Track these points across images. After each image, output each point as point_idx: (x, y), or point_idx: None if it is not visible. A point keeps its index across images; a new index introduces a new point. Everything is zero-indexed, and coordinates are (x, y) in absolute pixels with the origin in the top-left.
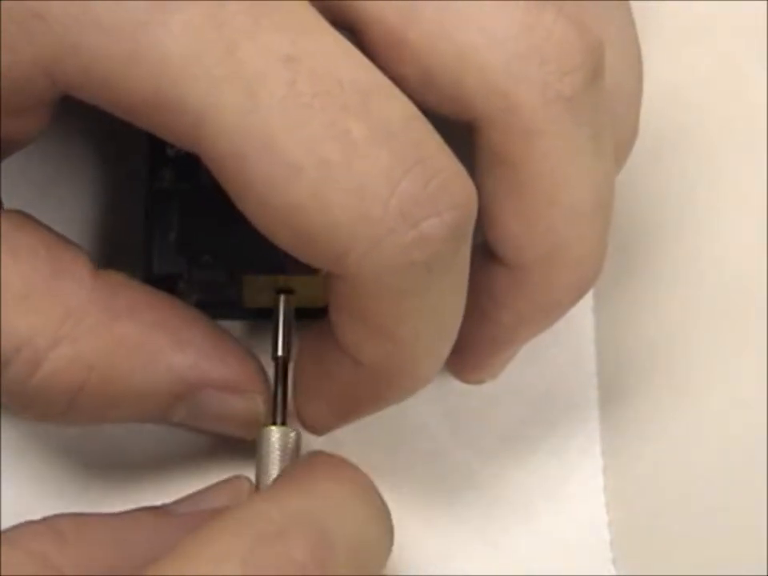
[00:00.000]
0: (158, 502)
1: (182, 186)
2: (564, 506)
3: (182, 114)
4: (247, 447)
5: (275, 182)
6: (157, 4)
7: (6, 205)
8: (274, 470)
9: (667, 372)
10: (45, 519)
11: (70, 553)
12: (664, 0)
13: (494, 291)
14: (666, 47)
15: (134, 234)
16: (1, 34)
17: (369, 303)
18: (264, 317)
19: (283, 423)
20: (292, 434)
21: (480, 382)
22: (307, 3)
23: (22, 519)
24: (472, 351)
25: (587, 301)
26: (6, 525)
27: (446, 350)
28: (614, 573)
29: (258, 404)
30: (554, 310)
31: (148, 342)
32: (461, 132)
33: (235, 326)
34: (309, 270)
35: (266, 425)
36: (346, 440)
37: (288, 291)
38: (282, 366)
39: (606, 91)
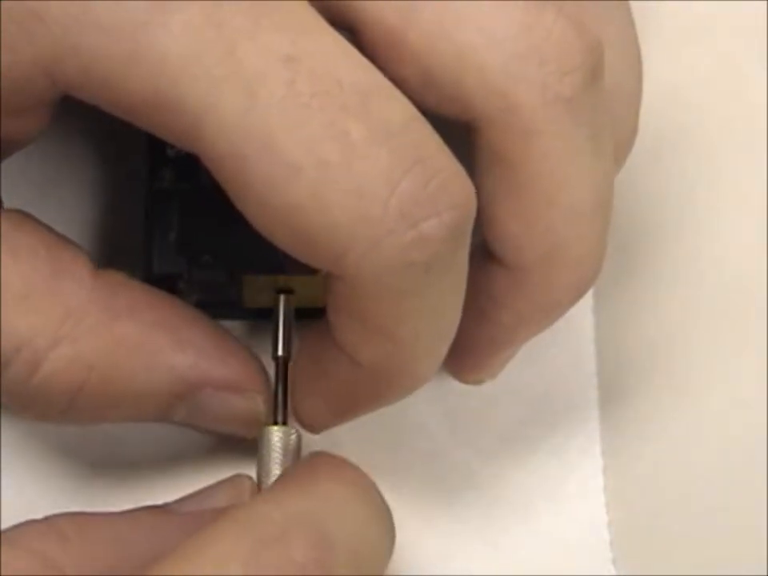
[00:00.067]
0: (159, 501)
1: (182, 185)
2: (564, 506)
3: (182, 114)
4: (248, 446)
5: (274, 182)
6: (156, 4)
7: (6, 205)
8: (274, 470)
9: (667, 372)
10: (46, 518)
11: (71, 552)
12: (664, 0)
13: (493, 291)
14: (665, 47)
15: (134, 234)
16: (1, 34)
17: (368, 303)
18: (264, 317)
19: (284, 423)
20: (293, 434)
21: (479, 382)
22: (306, 3)
23: (22, 518)
24: (471, 351)
25: (587, 301)
26: (6, 523)
27: (444, 349)
28: (613, 573)
29: (259, 403)
30: (553, 309)
31: (148, 341)
32: (460, 132)
33: (235, 326)
34: (309, 270)
35: (266, 424)
36: (345, 440)
37: (288, 291)
38: (282, 365)
39: (606, 91)
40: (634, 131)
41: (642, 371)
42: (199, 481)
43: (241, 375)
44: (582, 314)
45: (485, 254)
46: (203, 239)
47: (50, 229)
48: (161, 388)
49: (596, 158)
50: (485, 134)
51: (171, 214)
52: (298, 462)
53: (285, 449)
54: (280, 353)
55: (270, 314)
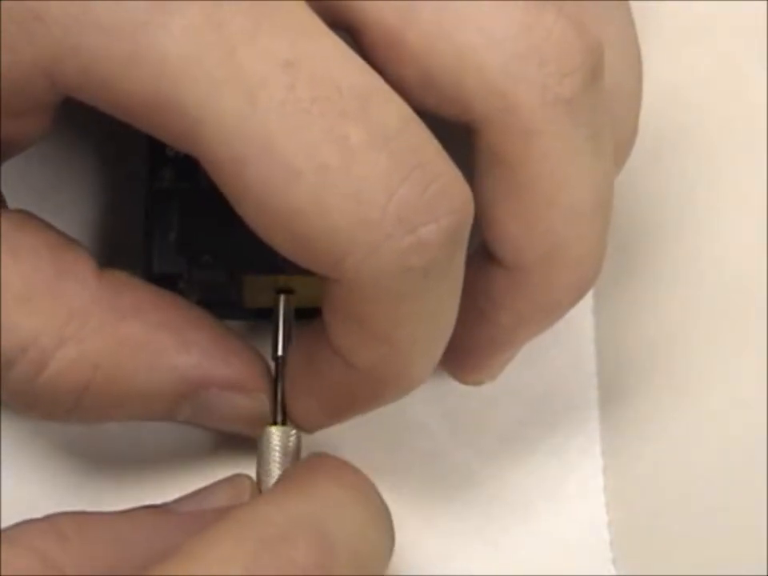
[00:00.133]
0: (160, 500)
1: (182, 185)
2: (564, 506)
3: (181, 117)
4: (249, 445)
5: (274, 186)
6: (156, 4)
7: (7, 205)
8: (275, 470)
9: (667, 372)
10: (46, 517)
11: (71, 551)
12: (664, 0)
13: (493, 292)
14: (665, 47)
15: (134, 234)
16: (0, 34)
17: (365, 307)
18: (264, 317)
19: (284, 423)
20: (293, 434)
21: (479, 383)
22: (305, 5)
23: (22, 516)
24: (471, 352)
25: (587, 301)
26: (6, 521)
27: (439, 351)
28: (613, 573)
29: (264, 403)
30: (553, 310)
31: (153, 341)
32: (456, 134)
33: (235, 326)
34: (309, 270)
35: (266, 424)
36: (345, 440)
37: (288, 291)
38: (282, 366)
39: (606, 91)
40: (634, 131)
41: (642, 371)
42: (200, 480)
43: (245, 375)
44: (581, 315)
45: (484, 255)
46: (203, 239)
47: (53, 229)
48: (165, 388)
49: (596, 159)
50: (484, 135)
51: (171, 214)
52: (298, 463)
53: (284, 449)
54: (280, 353)
55: (270, 314)
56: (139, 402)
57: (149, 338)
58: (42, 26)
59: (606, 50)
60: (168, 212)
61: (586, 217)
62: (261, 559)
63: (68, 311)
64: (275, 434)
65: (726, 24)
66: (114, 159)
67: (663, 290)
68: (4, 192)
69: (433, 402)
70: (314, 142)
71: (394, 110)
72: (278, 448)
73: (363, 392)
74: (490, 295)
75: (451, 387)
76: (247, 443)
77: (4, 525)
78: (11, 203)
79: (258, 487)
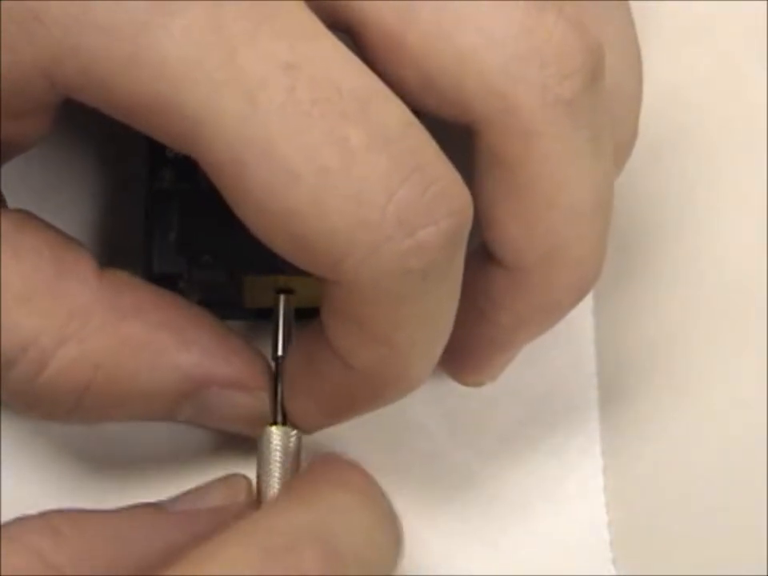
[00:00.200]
0: (160, 499)
1: (182, 186)
2: (564, 506)
3: (181, 118)
4: (250, 445)
5: (274, 188)
6: (157, 5)
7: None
8: (275, 470)
9: (667, 372)
10: (41, 515)
11: (66, 549)
12: (664, 0)
13: (493, 293)
14: (665, 47)
15: (134, 234)
16: (0, 34)
17: (365, 309)
18: (264, 317)
19: (284, 423)
20: (293, 434)
21: (479, 384)
22: (305, 6)
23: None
24: (471, 354)
25: (587, 302)
26: (6, 520)
27: (438, 353)
28: (613, 573)
29: (265, 401)
30: (553, 311)
31: (153, 341)
32: (455, 136)
33: (235, 326)
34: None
35: (266, 425)
36: (345, 440)
37: (288, 291)
38: (282, 366)
39: (606, 92)
40: (634, 132)
41: (642, 371)
42: (200, 481)
43: (246, 373)
44: (582, 315)
45: (484, 256)
46: (203, 239)
47: (53, 229)
48: (166, 387)
49: (596, 159)
50: (484, 136)
51: (171, 214)
52: (303, 468)
53: (285, 449)
54: (280, 353)
55: (270, 314)
56: (140, 401)
57: (150, 338)
58: (41, 26)
59: (607, 50)
60: (168, 212)
61: (586, 217)
62: (267, 569)
63: (69, 311)
64: (275, 434)
65: (726, 24)
66: (114, 160)
67: (663, 290)
68: (4, 192)
69: (433, 403)
70: (314, 144)
71: (394, 111)
72: (278, 448)
73: (362, 393)
74: (490, 296)
75: (451, 388)
76: (247, 443)
77: (4, 522)
78: (11, 203)
79: (258, 487)
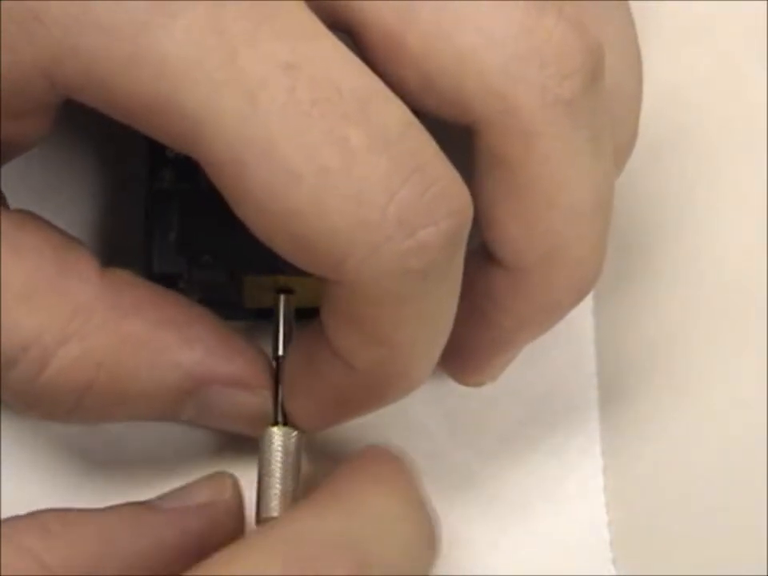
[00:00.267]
0: None
1: (182, 186)
2: (564, 506)
3: (181, 119)
4: (250, 446)
5: (274, 188)
6: (157, 5)
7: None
8: (276, 471)
9: (667, 372)
10: (31, 514)
11: (56, 547)
12: (664, 0)
13: (494, 293)
14: (665, 47)
15: (134, 234)
16: (0, 34)
17: (365, 309)
18: (264, 317)
19: (285, 423)
20: (294, 435)
21: (479, 384)
22: (305, 6)
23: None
24: (472, 354)
25: (587, 302)
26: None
27: (437, 353)
28: (614, 573)
29: (267, 399)
30: (554, 311)
31: (155, 339)
32: (454, 136)
33: (235, 326)
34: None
35: (267, 425)
36: (345, 440)
37: (288, 291)
38: (282, 366)
39: (606, 93)
40: (634, 132)
41: (642, 371)
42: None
43: (248, 372)
44: (582, 316)
45: (485, 256)
46: (203, 239)
47: (55, 228)
48: (168, 385)
49: (596, 160)
50: (484, 136)
51: (171, 214)
52: (344, 464)
53: (286, 450)
54: (280, 353)
55: (270, 314)
56: (142, 400)
57: (151, 336)
58: (41, 26)
59: (607, 50)
60: (168, 212)
61: (586, 217)
62: None
63: (70, 309)
64: (276, 434)
65: (726, 24)
66: (114, 160)
67: (663, 290)
68: (4, 192)
69: (433, 403)
70: (314, 144)
71: (394, 112)
72: (279, 449)
73: (362, 393)
74: (490, 296)
75: (451, 388)
76: (248, 444)
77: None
78: (11, 203)
79: (259, 488)
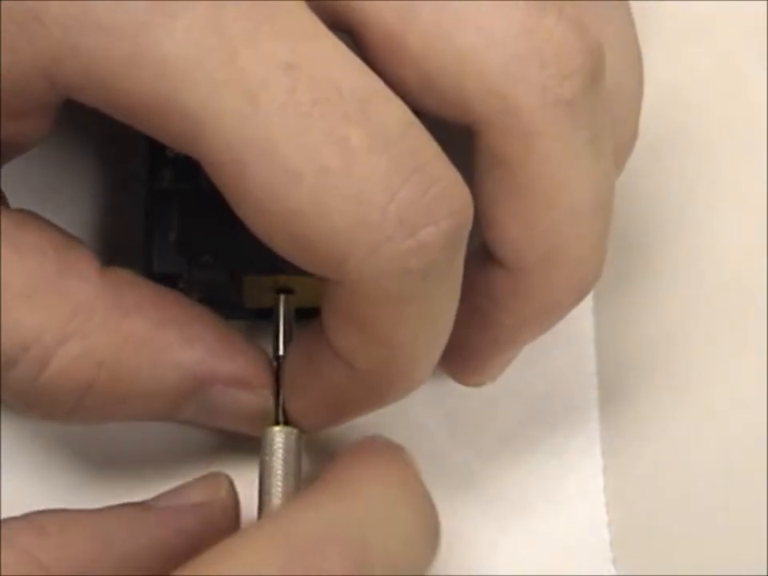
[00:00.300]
0: None
1: (182, 186)
2: (564, 506)
3: (182, 119)
4: (250, 447)
5: (274, 188)
6: (157, 5)
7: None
8: (277, 470)
9: (667, 372)
10: (26, 515)
11: (51, 547)
12: (664, 0)
13: (494, 293)
14: (665, 47)
15: (134, 234)
16: (0, 34)
17: (365, 310)
18: (264, 317)
19: (286, 423)
20: (295, 434)
21: (479, 384)
22: (305, 6)
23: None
24: (472, 354)
25: (587, 302)
26: None
27: (438, 353)
28: (614, 573)
29: (268, 399)
30: (554, 311)
31: (156, 338)
32: (455, 136)
33: (235, 326)
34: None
35: (268, 425)
36: (345, 440)
37: (288, 291)
38: (282, 366)
39: (606, 93)
40: (634, 132)
41: (642, 371)
42: None
43: (249, 371)
44: (582, 315)
45: (485, 256)
46: (203, 239)
47: (55, 228)
48: (169, 384)
49: (596, 160)
50: (484, 137)
51: (171, 214)
52: (343, 453)
53: (287, 449)
54: (281, 353)
55: (270, 314)
56: (143, 400)
57: (152, 335)
58: (41, 26)
59: (607, 51)
60: (168, 212)
61: (586, 217)
62: (289, 569)
63: (71, 308)
64: (277, 434)
65: (726, 24)
66: (114, 160)
67: (663, 290)
68: (5, 192)
69: (433, 403)
70: (314, 144)
71: (395, 112)
72: (280, 448)
73: (363, 393)
74: (490, 296)
75: (451, 388)
76: (249, 444)
77: None
78: (12, 203)
79: (260, 488)
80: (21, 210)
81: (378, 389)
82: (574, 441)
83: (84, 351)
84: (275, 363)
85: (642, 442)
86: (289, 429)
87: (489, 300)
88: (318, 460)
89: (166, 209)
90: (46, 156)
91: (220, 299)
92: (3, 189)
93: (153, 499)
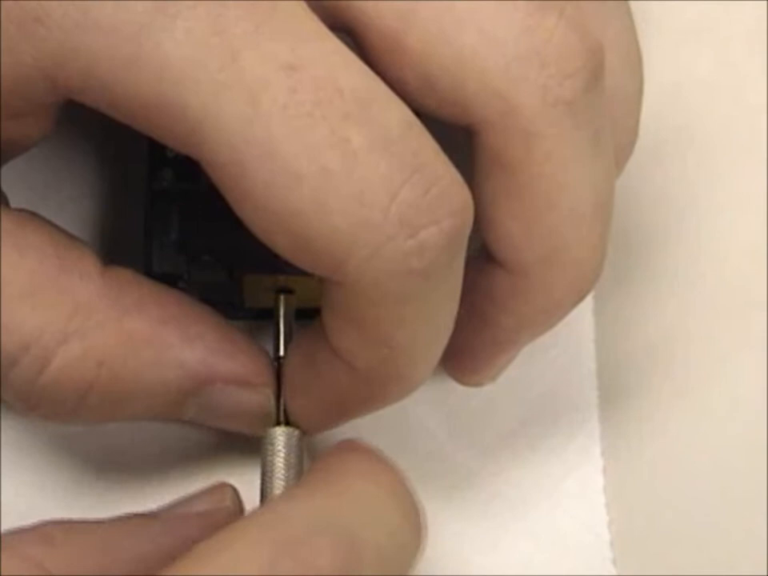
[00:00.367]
0: (160, 502)
1: (182, 186)
2: (564, 506)
3: (183, 120)
4: (252, 447)
5: (275, 189)
6: (158, 6)
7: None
8: (279, 471)
9: (667, 372)
10: (33, 525)
11: (59, 555)
12: (664, 0)
13: (494, 294)
14: (665, 47)
15: (134, 234)
16: (1, 36)
17: (367, 310)
18: (264, 317)
19: (287, 423)
20: (296, 434)
21: (479, 384)
22: (306, 7)
23: (22, 516)
24: (472, 354)
25: (587, 302)
26: (6, 525)
27: (438, 353)
28: (614, 573)
29: (269, 397)
30: (554, 312)
31: (157, 337)
32: (454, 136)
33: (235, 326)
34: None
35: (270, 425)
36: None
37: (288, 291)
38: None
39: (606, 93)
40: (634, 133)
41: (642, 371)
42: (202, 481)
43: (250, 370)
44: (582, 315)
45: (485, 257)
46: (203, 239)
47: (56, 227)
48: (171, 383)
49: (596, 161)
50: (485, 137)
51: (171, 213)
52: (326, 453)
53: (288, 450)
54: (281, 353)
55: (270, 314)
56: (144, 399)
57: (154, 334)
58: (42, 27)
59: (607, 51)
60: (168, 212)
61: (586, 219)
62: (278, 563)
63: (72, 307)
64: (279, 434)
65: (726, 24)
66: (114, 160)
67: (663, 290)
68: (5, 190)
69: (433, 403)
70: (315, 145)
71: (395, 113)
72: (281, 449)
73: (363, 393)
74: (490, 297)
75: (451, 387)
76: (250, 445)
77: (4, 526)
78: (12, 203)
79: (261, 489)
80: (21, 210)
81: (378, 389)
82: (574, 441)
83: (84, 351)
84: (276, 364)
85: (641, 442)
86: (290, 429)
87: (489, 300)
88: None
89: (166, 209)
90: (46, 155)
91: (220, 299)
92: (4, 188)
93: (158, 509)
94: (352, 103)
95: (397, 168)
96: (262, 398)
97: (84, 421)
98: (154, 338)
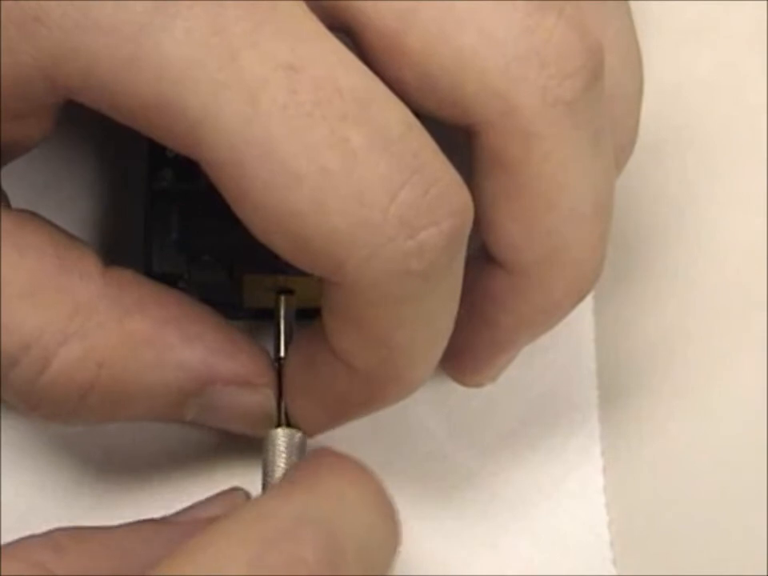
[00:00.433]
0: (161, 503)
1: (182, 185)
2: (564, 506)
3: (182, 120)
4: (252, 448)
5: (275, 189)
6: (158, 6)
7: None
8: (280, 472)
9: (667, 372)
10: (43, 533)
11: (67, 561)
12: (664, 0)
13: (494, 294)
14: (665, 47)
15: (134, 234)
16: (0, 36)
17: (366, 310)
18: (264, 317)
19: (288, 424)
20: (297, 436)
21: (479, 385)
22: (306, 7)
23: (22, 517)
24: (472, 355)
25: (587, 302)
26: (6, 522)
27: (438, 354)
28: (614, 573)
29: (270, 397)
30: (554, 312)
31: (158, 337)
32: (454, 136)
33: (235, 326)
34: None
35: (271, 426)
36: (345, 440)
37: (288, 291)
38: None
39: (606, 93)
40: (634, 133)
41: (641, 371)
42: (203, 482)
43: (251, 370)
44: (582, 315)
45: (485, 258)
46: (203, 239)
47: (57, 227)
48: (171, 384)
49: (596, 161)
50: (484, 138)
51: (171, 213)
52: (303, 458)
53: (289, 451)
54: (282, 354)
55: (270, 314)
56: (145, 400)
57: (154, 334)
58: (41, 27)
59: (607, 51)
60: (168, 212)
61: (586, 219)
62: (265, 558)
63: (72, 306)
64: (280, 435)
65: (726, 24)
66: (114, 160)
67: (663, 290)
68: (5, 191)
69: (433, 403)
70: (315, 146)
71: (395, 113)
72: (283, 450)
73: (363, 394)
74: (490, 297)
75: (451, 387)
76: (251, 446)
77: (4, 526)
78: (12, 203)
79: (263, 489)
80: (21, 210)
81: (378, 390)
82: (574, 441)
83: (85, 351)
84: (277, 364)
85: (641, 442)
86: (291, 430)
87: (488, 301)
88: None
89: (166, 209)
90: (46, 155)
91: (220, 299)
92: (4, 188)
93: (170, 515)
94: (351, 103)
95: (396, 168)
96: (262, 398)
97: (84, 421)
98: (154, 338)
